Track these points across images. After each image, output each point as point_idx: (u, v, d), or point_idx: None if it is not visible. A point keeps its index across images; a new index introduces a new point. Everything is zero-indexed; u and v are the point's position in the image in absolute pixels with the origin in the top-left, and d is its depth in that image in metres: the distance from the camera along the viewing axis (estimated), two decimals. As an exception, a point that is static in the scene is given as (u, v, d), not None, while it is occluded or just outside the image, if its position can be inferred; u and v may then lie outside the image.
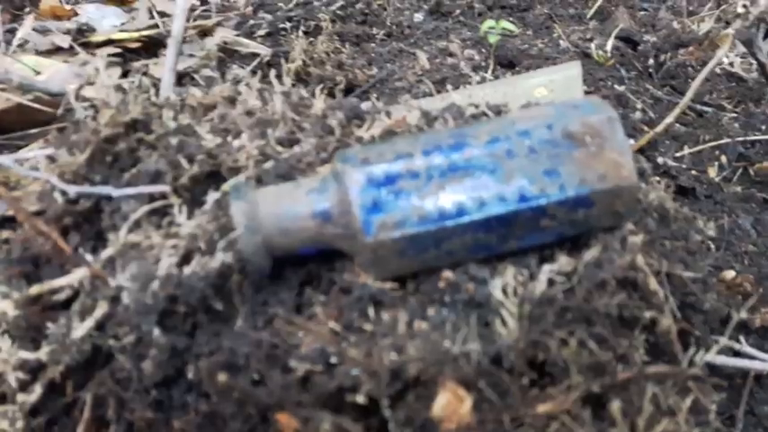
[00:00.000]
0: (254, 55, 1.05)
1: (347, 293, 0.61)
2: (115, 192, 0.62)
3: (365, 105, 0.75)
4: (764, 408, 0.82)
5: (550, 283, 0.57)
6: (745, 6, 0.76)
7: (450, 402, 0.52)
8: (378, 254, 0.56)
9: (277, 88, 0.77)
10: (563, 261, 0.58)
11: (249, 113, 0.79)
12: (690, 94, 0.89)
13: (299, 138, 0.72)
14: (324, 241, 0.59)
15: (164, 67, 0.90)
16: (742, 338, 0.86)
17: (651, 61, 1.23)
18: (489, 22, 1.04)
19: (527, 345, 0.53)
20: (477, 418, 0.52)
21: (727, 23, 0.78)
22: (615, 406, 0.50)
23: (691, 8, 1.42)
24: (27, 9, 1.23)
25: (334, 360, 0.55)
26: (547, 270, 0.57)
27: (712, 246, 0.98)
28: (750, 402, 0.81)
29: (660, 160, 1.03)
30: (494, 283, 0.56)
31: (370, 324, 0.57)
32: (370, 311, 0.58)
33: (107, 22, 1.08)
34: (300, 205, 0.58)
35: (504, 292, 0.56)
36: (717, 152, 1.05)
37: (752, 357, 0.83)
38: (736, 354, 0.84)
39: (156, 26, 1.08)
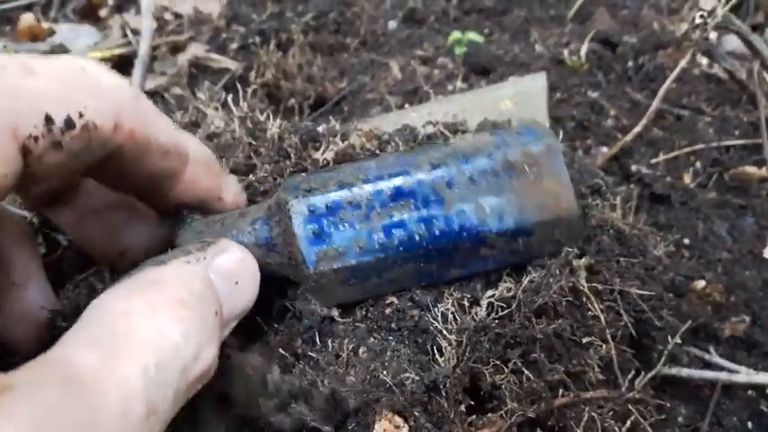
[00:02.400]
0: (226, 70, 1.05)
1: (299, 321, 0.61)
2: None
3: (321, 128, 0.75)
4: (732, 419, 0.81)
5: (491, 309, 0.57)
6: (702, 17, 0.75)
7: (387, 431, 0.53)
8: (320, 283, 0.57)
9: (235, 112, 0.78)
10: (504, 287, 0.58)
11: (210, 137, 0.80)
12: (656, 102, 0.88)
13: (255, 163, 0.73)
14: (269, 270, 0.60)
15: (131, 88, 0.90)
16: (711, 349, 0.85)
17: (630, 63, 1.22)
18: (455, 34, 1.04)
19: (463, 372, 0.54)
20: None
21: (687, 33, 0.77)
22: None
23: (674, 5, 1.40)
24: (8, 28, 1.25)
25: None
26: (487, 297, 0.57)
27: (686, 254, 0.97)
28: (717, 413, 0.81)
29: (634, 168, 1.02)
30: (434, 311, 0.57)
31: (315, 352, 0.58)
32: (317, 339, 0.59)
33: (81, 42, 1.09)
34: (245, 235, 0.59)
35: (444, 319, 0.56)
36: (692, 158, 1.04)
37: (720, 368, 0.82)
38: (706, 364, 0.84)
39: (129, 44, 1.08)
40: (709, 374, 0.81)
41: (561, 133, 0.94)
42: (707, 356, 0.85)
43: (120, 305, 0.40)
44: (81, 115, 0.43)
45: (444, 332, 0.55)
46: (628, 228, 0.71)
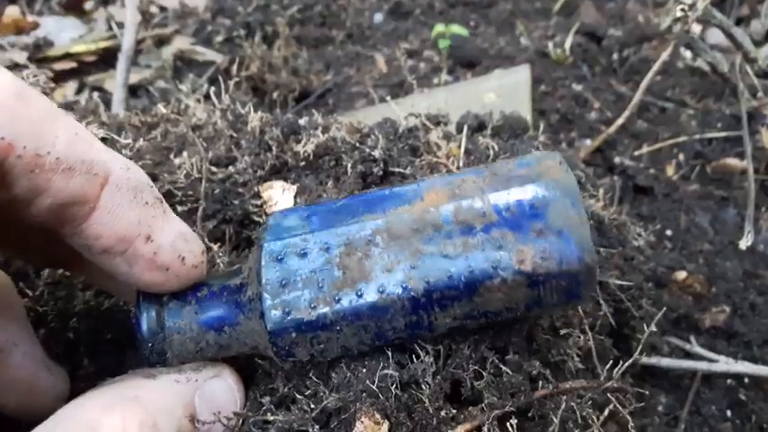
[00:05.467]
0: (211, 63, 1.05)
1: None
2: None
3: (303, 120, 0.75)
4: (711, 407, 0.82)
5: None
6: (683, 10, 0.76)
7: (368, 428, 0.53)
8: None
9: (217, 104, 0.78)
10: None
11: (193, 129, 0.80)
12: (639, 94, 0.88)
13: (236, 156, 0.73)
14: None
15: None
16: (692, 338, 0.86)
17: (615, 56, 1.22)
18: (439, 28, 1.04)
19: (444, 379, 0.54)
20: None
21: (670, 27, 0.78)
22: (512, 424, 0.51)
23: (660, -2, 1.40)
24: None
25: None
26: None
27: (668, 245, 0.98)
28: (696, 402, 0.82)
29: (617, 160, 1.03)
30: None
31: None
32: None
33: (66, 35, 1.09)
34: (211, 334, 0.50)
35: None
36: (675, 150, 1.05)
37: (700, 358, 0.83)
38: (687, 354, 0.85)
39: (114, 37, 1.08)
40: (688, 364, 0.82)
41: (543, 126, 0.94)
42: (687, 346, 0.85)
43: (93, 415, 0.39)
44: None
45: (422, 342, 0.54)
46: (608, 218, 0.71)
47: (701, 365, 0.82)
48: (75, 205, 0.41)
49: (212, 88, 0.78)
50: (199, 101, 0.85)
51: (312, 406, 0.50)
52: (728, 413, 0.83)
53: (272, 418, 0.50)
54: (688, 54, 1.19)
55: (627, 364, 0.56)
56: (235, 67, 1.03)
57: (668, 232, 0.99)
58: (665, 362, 0.81)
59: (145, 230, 0.44)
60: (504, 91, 0.88)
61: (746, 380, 0.84)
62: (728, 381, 0.85)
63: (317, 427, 0.53)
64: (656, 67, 0.87)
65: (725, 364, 0.82)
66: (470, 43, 1.13)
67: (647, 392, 0.65)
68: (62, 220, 0.41)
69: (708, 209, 1.01)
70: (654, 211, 1.01)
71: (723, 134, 1.04)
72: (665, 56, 0.82)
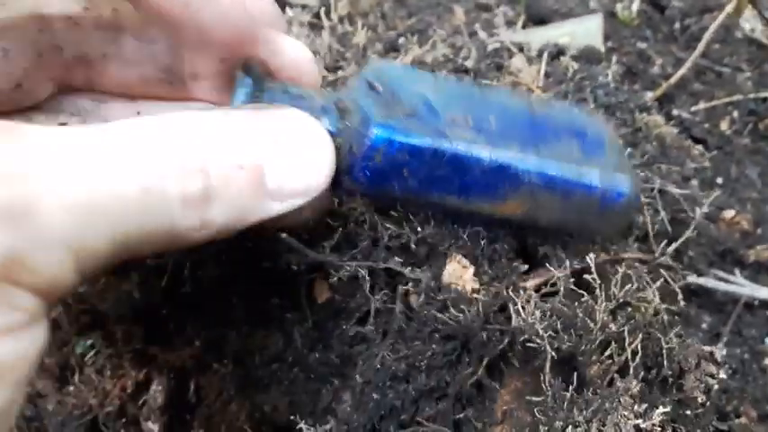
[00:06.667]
0: (305, 6, 1.16)
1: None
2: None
3: (402, 40, 0.86)
4: (751, 330, 0.90)
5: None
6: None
7: (457, 269, 0.63)
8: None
9: (325, 23, 0.88)
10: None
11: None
12: (700, 47, 0.96)
13: (342, 65, 0.83)
14: None
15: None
16: (737, 271, 0.94)
17: (677, 26, 1.29)
18: (519, -22, 1.13)
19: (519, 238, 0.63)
20: (479, 284, 0.63)
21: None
22: (592, 275, 0.59)
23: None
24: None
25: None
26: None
27: (718, 191, 1.05)
28: (738, 324, 0.90)
29: (675, 112, 1.11)
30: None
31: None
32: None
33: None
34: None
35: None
36: (729, 108, 1.12)
37: (743, 285, 0.91)
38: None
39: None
40: (733, 288, 0.89)
41: (611, 75, 1.02)
42: (732, 278, 0.93)
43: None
44: None
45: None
46: (669, 138, 0.79)
47: (745, 290, 0.89)
48: None
49: (322, 8, 0.88)
50: (302, 25, 0.96)
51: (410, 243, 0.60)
52: (767, 341, 0.91)
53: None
54: (747, 26, 1.25)
55: (682, 239, 0.65)
56: (327, 10, 1.13)
57: (719, 180, 1.06)
58: (711, 283, 0.88)
59: None
60: (578, 35, 0.97)
61: (786, 310, 0.92)
62: (769, 311, 0.92)
63: (411, 266, 0.62)
64: (718, 21, 0.94)
65: (767, 292, 0.90)
66: (543, 3, 1.21)
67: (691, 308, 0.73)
68: None
69: (758, 163, 1.08)
70: (706, 162, 1.08)
71: (778, 94, 1.11)
72: (729, 8, 0.90)
